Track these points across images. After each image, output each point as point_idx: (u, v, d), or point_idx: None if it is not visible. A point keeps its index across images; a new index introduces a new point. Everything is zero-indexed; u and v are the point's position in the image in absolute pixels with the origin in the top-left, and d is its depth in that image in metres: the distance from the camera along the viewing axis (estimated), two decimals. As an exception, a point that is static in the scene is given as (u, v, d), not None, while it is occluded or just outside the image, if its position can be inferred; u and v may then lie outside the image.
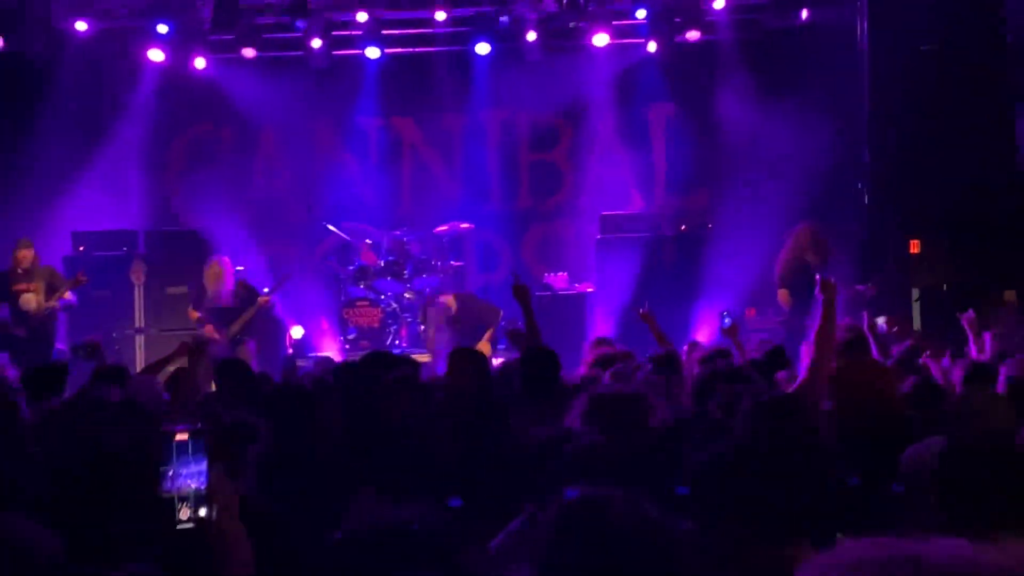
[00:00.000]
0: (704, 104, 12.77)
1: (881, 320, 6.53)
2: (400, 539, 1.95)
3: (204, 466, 2.30)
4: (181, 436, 2.31)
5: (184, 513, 2.27)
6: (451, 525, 2.04)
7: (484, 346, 10.07)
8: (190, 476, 2.29)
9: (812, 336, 7.15)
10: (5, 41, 11.87)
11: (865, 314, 6.51)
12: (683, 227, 11.86)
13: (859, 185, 10.96)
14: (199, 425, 2.35)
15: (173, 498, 2.28)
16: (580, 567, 1.99)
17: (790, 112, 11.64)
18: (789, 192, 11.32)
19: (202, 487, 2.29)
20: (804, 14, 11.99)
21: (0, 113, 12.27)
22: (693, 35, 12.17)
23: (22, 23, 11.96)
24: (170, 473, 2.29)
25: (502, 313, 11.31)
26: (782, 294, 9.20)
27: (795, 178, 11.46)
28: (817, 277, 5.74)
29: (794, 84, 11.92)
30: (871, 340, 6.45)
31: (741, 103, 12.35)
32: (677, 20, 12.18)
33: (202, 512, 2.28)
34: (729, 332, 6.69)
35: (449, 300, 11.28)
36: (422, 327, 11.99)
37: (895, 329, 6.64)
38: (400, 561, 1.93)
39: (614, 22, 12.35)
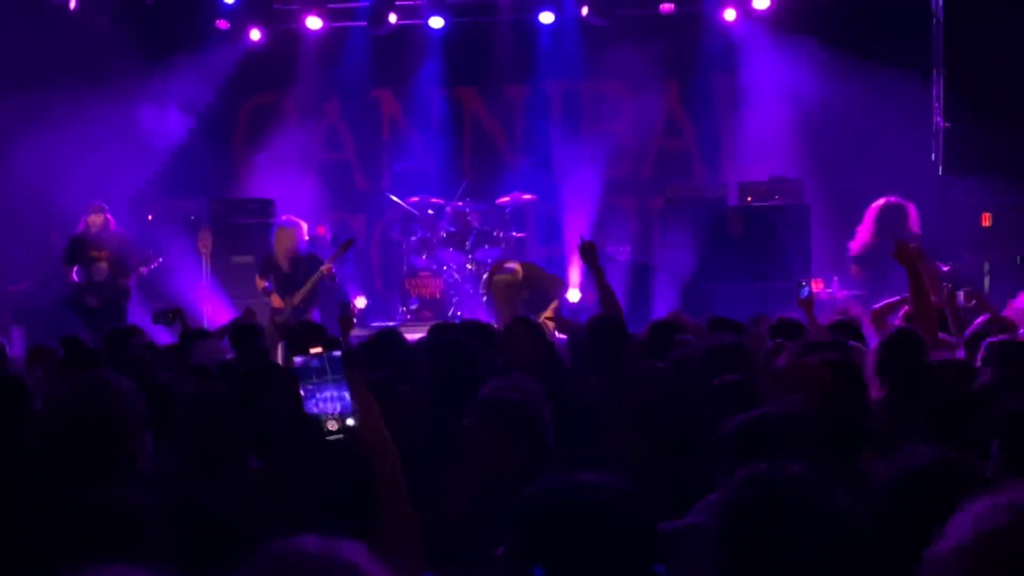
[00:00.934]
0: (771, 73, 12.54)
1: (960, 294, 6.37)
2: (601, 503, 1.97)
3: (343, 383, 2.33)
4: (315, 349, 2.35)
5: (332, 425, 2.32)
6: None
7: (548, 316, 10.03)
8: (332, 394, 2.33)
9: (878, 307, 7.05)
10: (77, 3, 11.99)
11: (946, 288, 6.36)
12: (749, 199, 11.68)
13: (932, 156, 10.72)
14: (334, 338, 2.40)
15: (318, 416, 2.32)
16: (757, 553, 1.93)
17: (861, 80, 11.39)
18: (860, 163, 11.10)
19: (346, 405, 2.32)
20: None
21: (67, 80, 12.40)
22: (762, 3, 11.94)
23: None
24: (311, 391, 2.32)
25: (566, 283, 11.28)
26: (855, 268, 9.02)
27: (866, 148, 11.23)
28: (896, 243, 5.62)
29: (865, 52, 11.66)
30: (948, 315, 6.30)
31: (809, 72, 12.11)
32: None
33: (349, 422, 2.32)
34: (804, 303, 6.57)
35: (516, 268, 11.22)
36: (484, 297, 11.97)
37: (972, 303, 6.47)
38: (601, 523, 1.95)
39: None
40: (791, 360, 4.14)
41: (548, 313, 10.46)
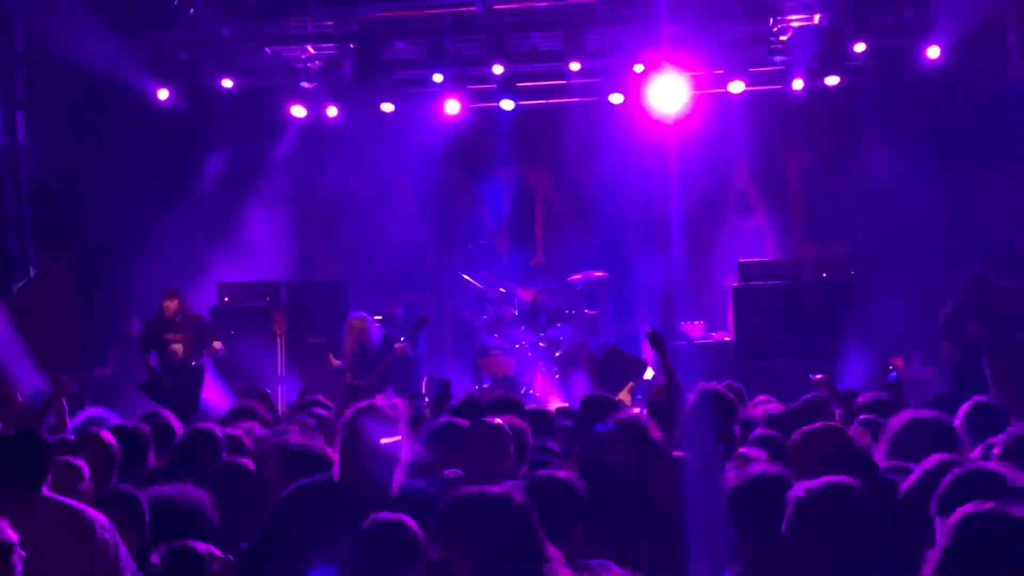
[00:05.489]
0: (843, 151, 12.49)
1: None
2: None
3: None
4: None
5: None
6: None
7: (624, 396, 9.97)
8: None
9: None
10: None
11: None
12: (824, 275, 11.55)
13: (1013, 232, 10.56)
14: None
15: None
16: None
17: (936, 157, 11.28)
18: (937, 240, 10.94)
19: None
20: (947, 54, 11.61)
21: (146, 167, 12.74)
22: (832, 80, 11.87)
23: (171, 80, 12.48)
24: None
25: (648, 365, 11.25)
26: (946, 346, 8.85)
27: (943, 225, 11.07)
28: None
29: (940, 128, 11.57)
30: None
31: (882, 149, 12.03)
32: (815, 66, 11.93)
33: None
34: (894, 387, 6.47)
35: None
36: (558, 375, 11.94)
37: None
38: None
39: (751, 69, 12.18)
40: None
41: (625, 392, 10.39)
